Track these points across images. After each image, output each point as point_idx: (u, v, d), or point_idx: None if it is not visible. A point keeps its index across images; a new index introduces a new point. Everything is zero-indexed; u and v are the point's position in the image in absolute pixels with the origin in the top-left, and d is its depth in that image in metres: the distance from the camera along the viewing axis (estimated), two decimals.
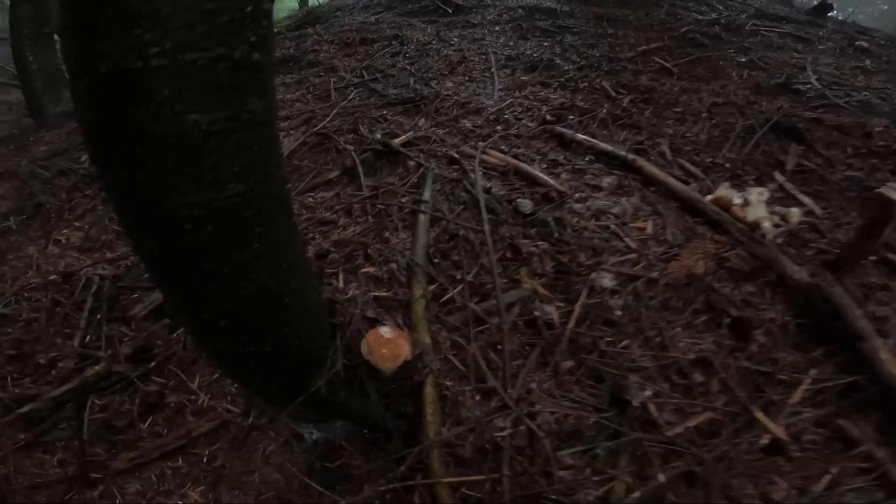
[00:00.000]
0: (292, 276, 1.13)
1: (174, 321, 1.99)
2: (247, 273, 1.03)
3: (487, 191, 2.06)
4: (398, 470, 1.28)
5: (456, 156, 2.39)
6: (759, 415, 1.40)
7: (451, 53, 3.62)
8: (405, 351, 1.36)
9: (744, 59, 3.43)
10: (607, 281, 1.69)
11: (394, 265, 1.65)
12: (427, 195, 1.98)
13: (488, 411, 1.37)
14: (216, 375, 1.78)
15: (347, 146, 2.58)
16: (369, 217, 2.01)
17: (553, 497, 1.26)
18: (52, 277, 2.47)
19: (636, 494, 1.28)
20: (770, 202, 2.16)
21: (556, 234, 1.88)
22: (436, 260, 1.75)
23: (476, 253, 1.83)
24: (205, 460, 1.59)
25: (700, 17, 3.90)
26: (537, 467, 1.29)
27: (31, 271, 2.56)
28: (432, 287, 1.67)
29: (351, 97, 3.19)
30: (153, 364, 1.87)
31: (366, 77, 3.45)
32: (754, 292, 1.77)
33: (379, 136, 2.62)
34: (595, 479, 1.30)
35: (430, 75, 3.35)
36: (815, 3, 4.49)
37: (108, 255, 2.43)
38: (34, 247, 2.71)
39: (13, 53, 4.07)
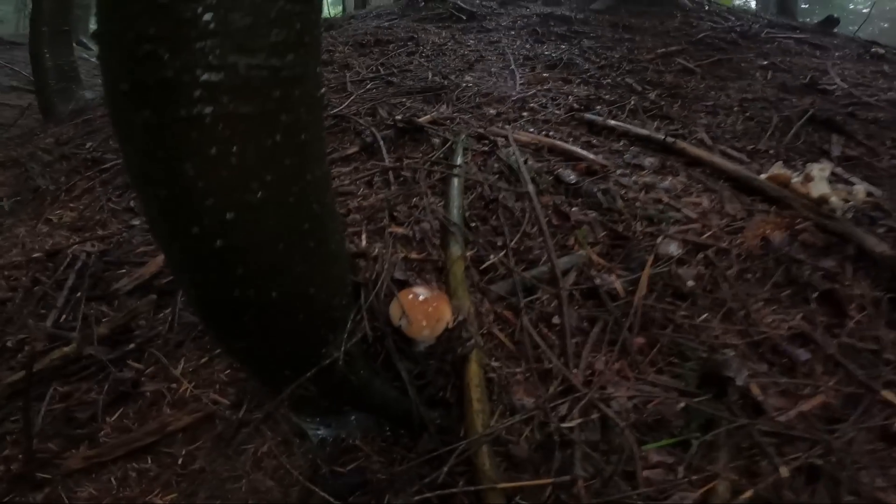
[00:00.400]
0: (316, 194, 0.81)
1: (161, 298, 1.63)
2: (264, 166, 0.71)
3: (524, 162, 1.76)
4: (437, 473, 0.89)
5: (484, 133, 2.10)
6: (888, 394, 1.05)
7: (468, 53, 3.37)
8: (446, 315, 1.01)
9: (765, 62, 3.19)
10: (674, 248, 1.37)
11: (426, 225, 1.32)
12: (459, 161, 1.68)
13: (549, 397, 1.02)
14: (204, 360, 1.41)
15: (367, 125, 2.29)
16: (393, 186, 1.69)
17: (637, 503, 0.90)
18: (35, 255, 2.12)
19: (747, 494, 0.90)
20: (830, 180, 1.87)
21: (605, 205, 1.56)
22: (473, 224, 1.42)
23: (517, 220, 1.51)
24: (180, 461, 1.18)
25: (715, 26, 3.69)
26: (616, 466, 0.91)
27: (15, 249, 2.21)
28: (470, 253, 1.34)
29: (368, 87, 2.91)
30: (132, 346, 1.47)
31: (382, 72, 3.17)
32: (835, 267, 1.45)
33: (399, 117, 2.33)
34: (691, 478, 0.95)
35: (447, 70, 3.08)
36: (820, 19, 4.33)
37: (100, 232, 2.09)
38: (24, 227, 2.36)
39: (30, 49, 3.82)
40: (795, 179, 1.82)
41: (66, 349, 1.51)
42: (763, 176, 1.88)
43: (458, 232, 1.28)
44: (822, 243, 1.54)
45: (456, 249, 1.23)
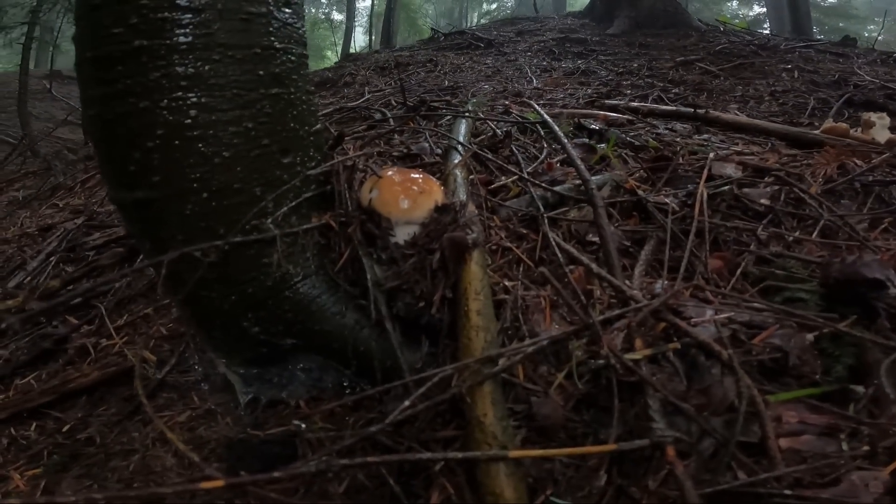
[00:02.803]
0: None
1: (133, 254, 1.32)
2: None
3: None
4: (379, 426, 0.47)
5: (497, 105, 1.82)
6: None
7: (485, 69, 3.18)
8: (435, 191, 0.68)
9: (789, 66, 2.87)
10: (731, 170, 1.00)
11: (425, 144, 1.00)
12: (470, 108, 1.38)
13: (596, 319, 0.60)
14: (149, 310, 1.06)
15: (378, 109, 2.05)
16: (396, 136, 1.40)
17: (779, 493, 0.44)
18: (28, 230, 1.90)
19: None
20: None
21: (637, 144, 1.23)
22: (482, 153, 1.09)
23: (532, 154, 1.18)
24: (66, 429, 0.83)
25: (733, 40, 3.44)
26: (729, 430, 0.53)
27: (13, 228, 2.01)
28: (477, 175, 1.01)
29: (385, 91, 2.73)
30: (78, 300, 1.15)
31: (400, 84, 3.03)
32: None
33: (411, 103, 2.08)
34: (863, 449, 0.48)
35: (464, 81, 2.90)
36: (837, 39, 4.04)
37: (96, 208, 1.86)
38: (28, 211, 2.18)
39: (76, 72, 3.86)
40: (853, 130, 1.45)
41: (9, 302, 1.22)
42: (817, 131, 1.52)
43: (460, 148, 0.95)
44: None
45: (456, 157, 0.90)
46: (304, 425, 0.60)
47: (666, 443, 0.42)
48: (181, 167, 0.62)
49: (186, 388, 0.90)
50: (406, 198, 0.61)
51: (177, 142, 0.61)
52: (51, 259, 1.46)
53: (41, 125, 3.81)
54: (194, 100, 0.59)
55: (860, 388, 0.56)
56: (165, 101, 0.59)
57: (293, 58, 0.69)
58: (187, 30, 0.57)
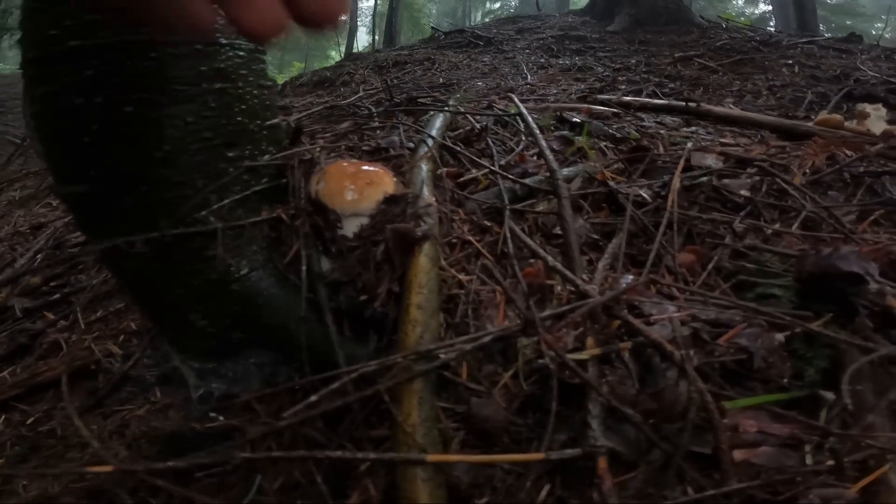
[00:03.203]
0: None
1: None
2: None
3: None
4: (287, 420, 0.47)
5: (482, 100, 1.77)
6: None
7: (482, 66, 3.14)
8: (386, 182, 0.63)
9: (790, 62, 2.79)
10: (711, 161, 0.95)
11: (395, 138, 0.96)
12: (451, 103, 1.34)
13: (546, 315, 0.57)
14: (120, 305, 1.03)
15: (364, 106, 2.02)
16: (378, 132, 1.36)
17: None
18: (21, 229, 1.90)
19: None
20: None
21: (619, 136, 1.18)
22: (456, 147, 1.05)
23: (509, 147, 1.14)
24: (30, 421, 0.82)
25: (734, 36, 3.35)
26: (677, 440, 0.43)
27: (6, 227, 2.01)
28: (447, 169, 0.97)
29: (378, 89, 2.70)
30: (56, 297, 1.14)
31: (395, 82, 2.99)
32: None
33: (398, 99, 2.05)
34: (828, 463, 0.42)
35: (459, 78, 2.86)
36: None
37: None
38: (24, 210, 2.18)
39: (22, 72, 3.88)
40: (847, 122, 1.38)
41: None
42: (810, 123, 1.46)
43: (429, 141, 0.91)
44: None
45: (423, 149, 0.87)
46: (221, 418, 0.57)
47: (598, 453, 0.38)
48: (117, 162, 0.59)
49: (149, 382, 0.88)
50: (353, 189, 0.57)
51: (112, 137, 0.59)
52: (37, 257, 1.45)
53: None
54: (131, 96, 0.57)
55: (829, 395, 0.52)
56: (100, 98, 0.56)
57: (242, 53, 0.66)
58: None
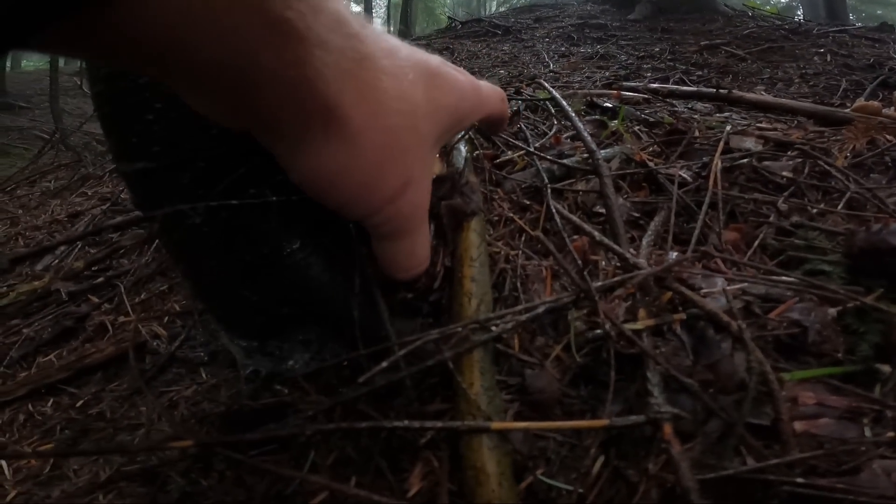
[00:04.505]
0: None
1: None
2: None
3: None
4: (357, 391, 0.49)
5: (509, 86, 1.77)
6: None
7: (502, 55, 3.12)
8: (434, 164, 0.65)
9: (821, 50, 2.72)
10: (751, 143, 0.94)
11: None
12: None
13: (597, 287, 0.55)
14: (163, 287, 1.08)
15: None
16: None
17: (790, 481, 0.38)
18: (58, 217, 1.97)
19: None
20: None
21: (652, 120, 1.17)
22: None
23: (542, 131, 1.14)
24: (79, 404, 0.83)
25: (761, 24, 3.27)
26: (736, 410, 0.43)
27: (43, 216, 2.08)
28: (484, 152, 0.98)
29: None
30: (100, 280, 1.18)
31: None
32: None
33: None
34: (889, 434, 0.42)
35: (480, 68, 2.85)
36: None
37: (123, 197, 1.90)
38: (59, 200, 2.25)
39: None
40: (886, 110, 1.35)
41: (35, 283, 1.26)
42: (847, 110, 1.42)
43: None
44: None
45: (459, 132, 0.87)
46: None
47: (663, 419, 0.39)
48: (179, 138, 0.61)
49: (195, 363, 0.91)
50: None
51: (174, 115, 0.60)
52: (77, 243, 1.50)
53: (72, 120, 3.94)
54: None
55: (886, 368, 0.51)
56: None
57: None
58: None
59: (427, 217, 0.50)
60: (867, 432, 0.46)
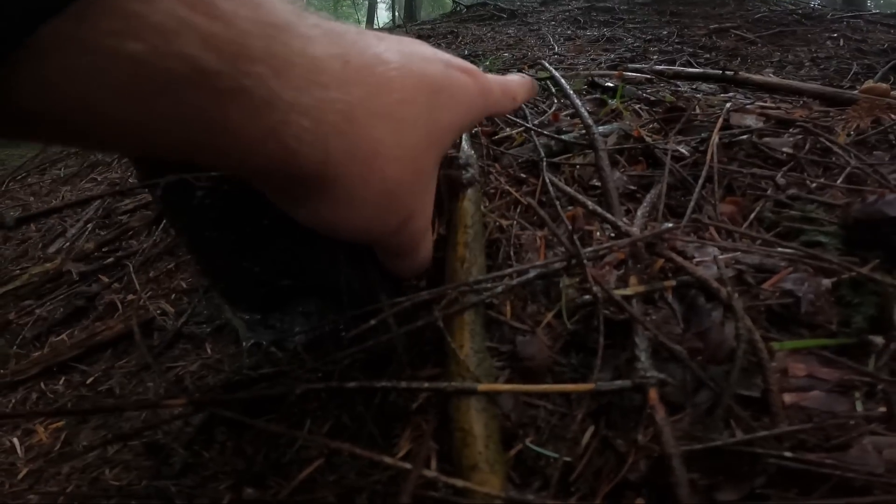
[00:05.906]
0: None
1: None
2: None
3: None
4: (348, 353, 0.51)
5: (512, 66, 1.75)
6: None
7: (507, 39, 3.07)
8: None
9: (834, 35, 2.65)
10: (752, 120, 0.93)
11: None
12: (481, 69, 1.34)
13: (586, 252, 0.55)
14: (170, 266, 1.09)
15: None
16: None
17: (778, 454, 0.38)
18: (69, 202, 2.00)
19: None
20: None
21: (653, 99, 1.15)
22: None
23: (542, 109, 1.13)
24: (89, 381, 0.85)
25: (774, 8, 3.19)
26: (724, 380, 0.43)
27: (55, 201, 2.12)
28: (482, 128, 0.97)
29: None
30: (110, 260, 1.20)
31: None
32: None
33: None
34: (879, 410, 0.42)
35: (485, 51, 2.81)
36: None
37: (132, 180, 1.92)
38: (69, 185, 2.28)
39: None
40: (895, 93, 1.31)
41: (47, 265, 1.28)
42: (854, 91, 1.39)
43: None
44: None
45: None
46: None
47: (648, 384, 0.39)
48: None
49: (200, 338, 0.92)
50: None
51: None
52: (87, 226, 1.52)
53: None
54: None
55: (879, 339, 0.51)
56: None
57: None
58: None
59: (430, 230, 0.48)
60: (858, 406, 0.46)
